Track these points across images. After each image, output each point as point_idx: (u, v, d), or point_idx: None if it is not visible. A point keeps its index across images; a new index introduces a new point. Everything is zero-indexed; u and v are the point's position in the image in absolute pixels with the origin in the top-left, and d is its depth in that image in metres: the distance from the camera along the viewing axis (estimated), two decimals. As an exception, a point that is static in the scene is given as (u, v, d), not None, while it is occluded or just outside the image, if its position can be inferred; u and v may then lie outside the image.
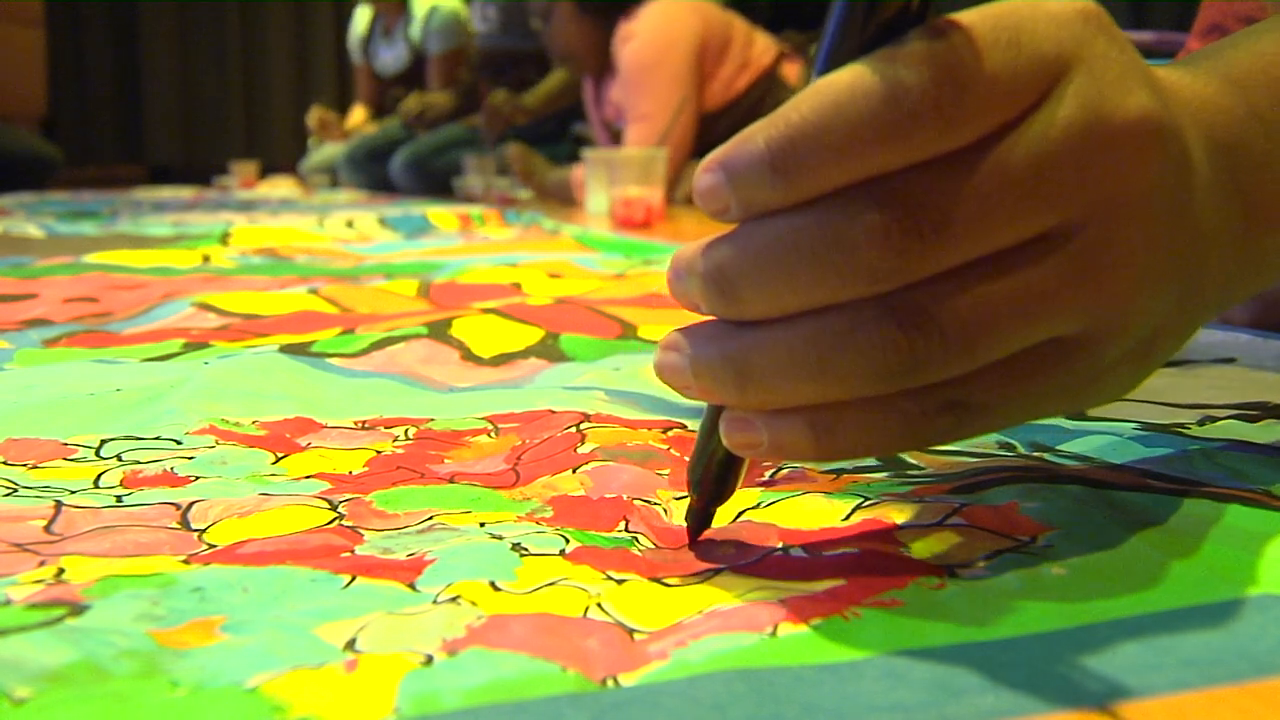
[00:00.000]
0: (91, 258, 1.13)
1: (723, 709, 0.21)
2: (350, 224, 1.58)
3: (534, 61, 2.82)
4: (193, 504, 0.35)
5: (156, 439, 0.43)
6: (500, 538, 0.31)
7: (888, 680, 0.22)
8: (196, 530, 0.32)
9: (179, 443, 0.42)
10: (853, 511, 0.32)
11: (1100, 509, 0.31)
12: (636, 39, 2.15)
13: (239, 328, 0.70)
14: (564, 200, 2.33)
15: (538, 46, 2.60)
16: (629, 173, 1.71)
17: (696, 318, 0.27)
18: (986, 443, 0.40)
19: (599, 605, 0.26)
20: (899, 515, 0.32)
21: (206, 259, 1.16)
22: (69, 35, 4.64)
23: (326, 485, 0.37)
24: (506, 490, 0.36)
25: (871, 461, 0.38)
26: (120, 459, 0.40)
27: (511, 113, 2.72)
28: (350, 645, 0.24)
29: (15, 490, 0.36)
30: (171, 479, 0.37)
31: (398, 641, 0.24)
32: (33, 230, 1.62)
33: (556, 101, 2.79)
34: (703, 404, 0.29)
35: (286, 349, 0.60)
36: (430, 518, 0.33)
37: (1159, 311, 0.26)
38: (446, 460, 0.40)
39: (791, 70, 2.30)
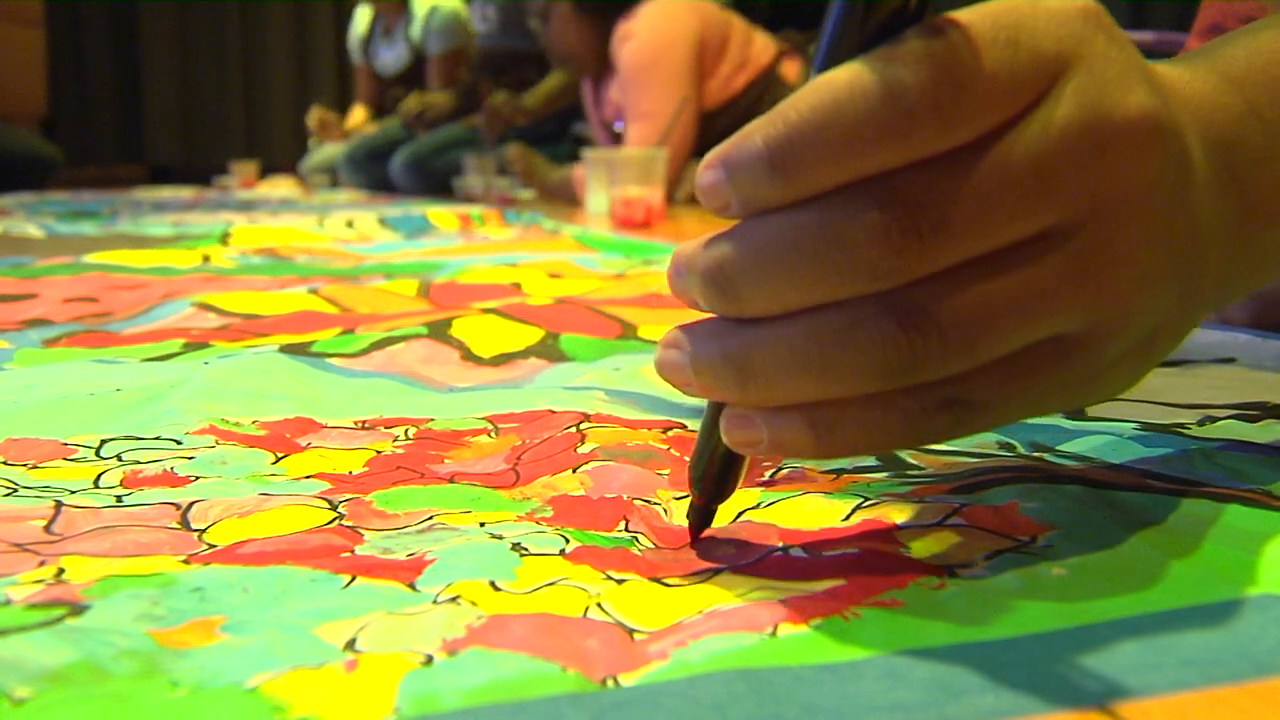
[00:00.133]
0: (91, 258, 1.13)
1: (723, 709, 0.21)
2: (350, 224, 1.58)
3: (534, 61, 2.82)
4: (193, 504, 0.35)
5: (156, 439, 0.43)
6: (500, 537, 0.31)
7: (888, 680, 0.22)
8: (196, 530, 0.32)
9: (179, 443, 0.42)
10: (853, 511, 0.32)
11: (1100, 509, 0.31)
12: (635, 38, 2.15)
13: (239, 328, 0.70)
14: (566, 199, 2.33)
15: (537, 47, 2.61)
16: (629, 173, 1.71)
17: (697, 316, 0.27)
18: (986, 443, 0.40)
19: (599, 605, 0.26)
20: (899, 515, 0.32)
21: (206, 259, 1.16)
22: (69, 35, 4.64)
23: (326, 485, 0.37)
24: (506, 490, 0.36)
25: (871, 461, 0.38)
26: (120, 459, 0.40)
27: (511, 113, 2.72)
28: (350, 645, 0.24)
29: (15, 490, 0.36)
30: (171, 479, 0.37)
31: (398, 641, 0.24)
32: (33, 230, 1.62)
33: (556, 101, 2.79)
34: (703, 404, 0.29)
35: (286, 349, 0.60)
36: (430, 517, 0.33)
37: (1159, 309, 0.26)
38: (446, 460, 0.40)
39: (791, 69, 2.30)
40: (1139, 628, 0.24)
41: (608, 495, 0.35)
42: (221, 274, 1.02)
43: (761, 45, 2.30)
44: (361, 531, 0.32)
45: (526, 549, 0.30)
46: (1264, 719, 0.21)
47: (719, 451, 0.28)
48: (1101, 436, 0.40)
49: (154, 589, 0.27)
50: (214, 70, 4.93)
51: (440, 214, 1.70)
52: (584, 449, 0.39)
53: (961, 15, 0.23)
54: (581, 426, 0.42)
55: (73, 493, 0.36)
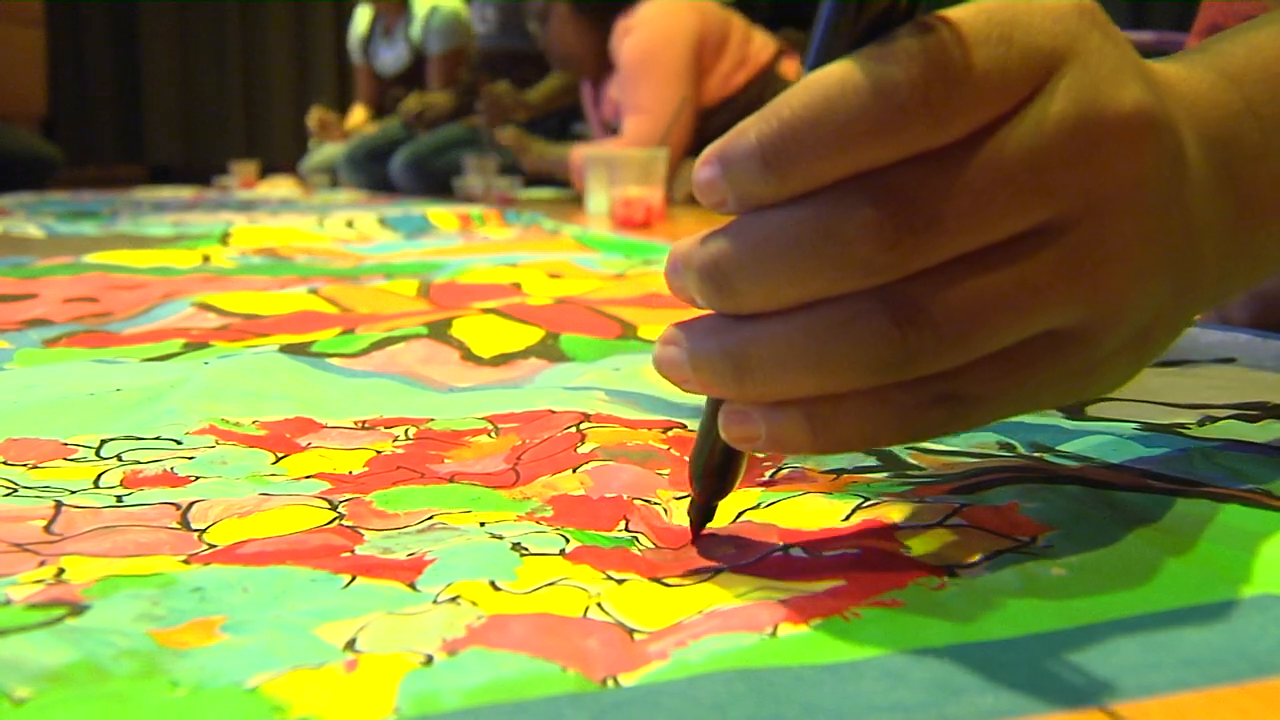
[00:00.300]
0: (91, 258, 1.13)
1: (723, 709, 0.21)
2: (350, 224, 1.58)
3: (533, 62, 2.82)
4: (193, 504, 0.35)
5: (156, 439, 0.43)
6: (500, 537, 0.31)
7: (888, 680, 0.22)
8: (196, 530, 0.32)
9: (179, 443, 0.42)
10: (853, 511, 0.32)
11: (1100, 509, 0.31)
12: (635, 33, 2.15)
13: (239, 328, 0.70)
14: (561, 178, 2.34)
15: (537, 47, 2.61)
16: (629, 173, 1.71)
17: (697, 314, 0.27)
18: (986, 443, 0.40)
19: (599, 605, 0.26)
20: (899, 515, 0.32)
21: (206, 259, 1.16)
22: (69, 35, 4.64)
23: (326, 485, 0.37)
24: (506, 490, 0.36)
25: (872, 461, 0.38)
26: (120, 459, 0.40)
27: (512, 105, 2.72)
28: (350, 645, 0.24)
29: (15, 490, 0.36)
30: (171, 479, 0.37)
31: (398, 641, 0.24)
32: (33, 230, 1.62)
33: (558, 100, 2.79)
34: (703, 403, 0.29)
35: (286, 349, 0.60)
36: (430, 517, 0.33)
37: (1154, 304, 0.26)
38: (446, 460, 0.40)
39: (790, 67, 2.30)
40: (1139, 628, 0.24)
41: (608, 495, 0.35)
42: (221, 274, 1.02)
43: (761, 43, 2.31)
44: (361, 531, 0.32)
45: (526, 549, 0.30)
46: (1264, 719, 0.21)
47: (718, 448, 0.28)
48: (1101, 436, 0.40)
49: (154, 589, 0.27)
50: (214, 70, 4.93)
51: (440, 214, 1.70)
52: (584, 449, 0.39)
53: (955, 12, 0.23)
54: (581, 426, 0.42)
55: (73, 493, 0.36)
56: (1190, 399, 0.46)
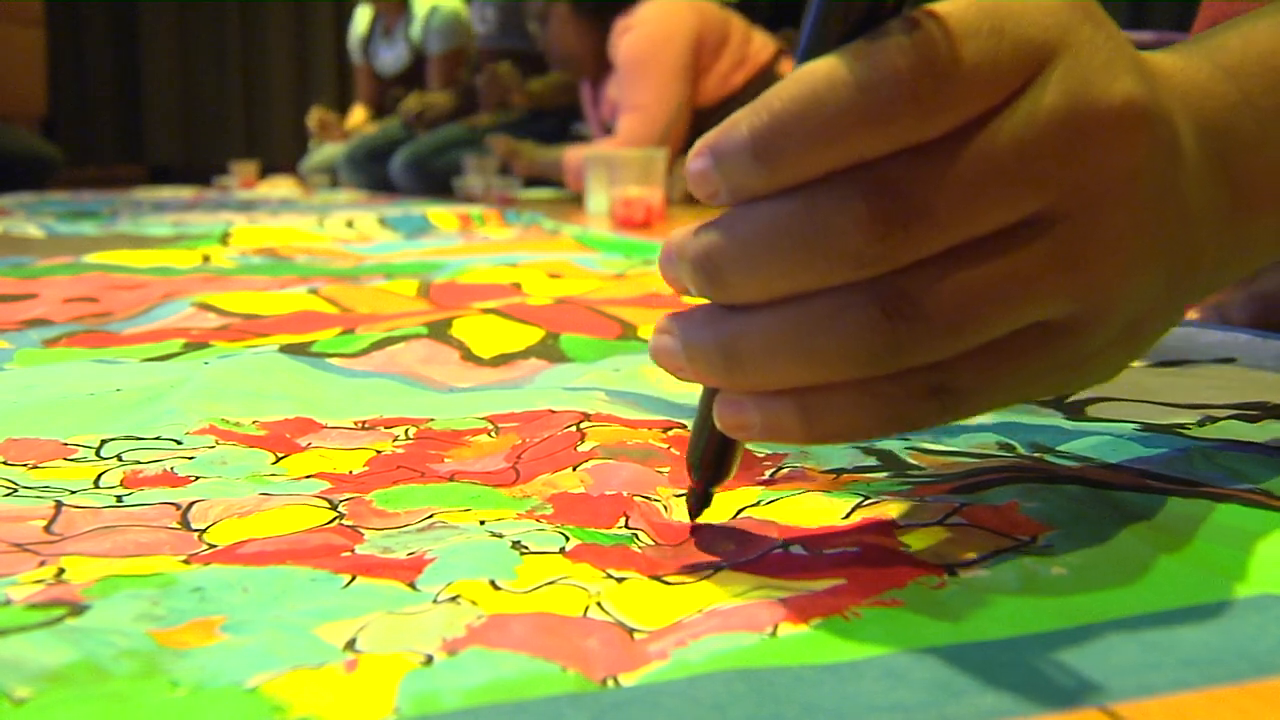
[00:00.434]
0: (91, 258, 1.13)
1: (723, 709, 0.21)
2: (350, 224, 1.58)
3: (533, 62, 2.82)
4: (193, 504, 0.35)
5: (156, 439, 0.43)
6: (500, 536, 0.31)
7: (888, 680, 0.22)
8: (197, 530, 0.32)
9: (179, 443, 0.42)
10: (853, 510, 0.32)
11: (1100, 509, 0.31)
12: (634, 31, 2.15)
13: (239, 328, 0.70)
14: (555, 180, 2.34)
15: (536, 48, 2.60)
16: (629, 173, 1.71)
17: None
18: (986, 443, 0.40)
19: (599, 604, 0.26)
20: (899, 514, 0.32)
21: (206, 259, 1.16)
22: (69, 35, 4.63)
23: (326, 485, 0.37)
24: (506, 488, 0.36)
25: (872, 461, 0.38)
26: (120, 459, 0.40)
27: (513, 86, 2.71)
28: (350, 645, 0.24)
29: (15, 490, 0.36)
30: (171, 479, 0.37)
31: (398, 641, 0.24)
32: (33, 230, 1.62)
33: (558, 95, 2.78)
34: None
35: (286, 349, 0.60)
36: (430, 516, 0.33)
37: (1146, 295, 0.26)
38: (446, 459, 0.40)
39: (789, 67, 2.29)
40: (1138, 628, 0.24)
41: (608, 492, 0.35)
42: (221, 274, 1.02)
43: (760, 43, 2.31)
44: (362, 531, 0.32)
45: (526, 547, 0.30)
46: (1264, 719, 0.21)
47: (714, 436, 0.29)
48: (1101, 436, 0.40)
49: (154, 589, 0.27)
50: (214, 70, 4.92)
51: (440, 214, 1.70)
52: (584, 447, 0.39)
53: (946, 6, 0.24)
54: (581, 425, 0.42)
55: (73, 493, 0.36)
56: (1190, 399, 0.46)
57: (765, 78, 2.27)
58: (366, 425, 0.45)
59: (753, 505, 0.33)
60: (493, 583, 0.27)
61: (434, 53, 3.32)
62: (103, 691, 0.22)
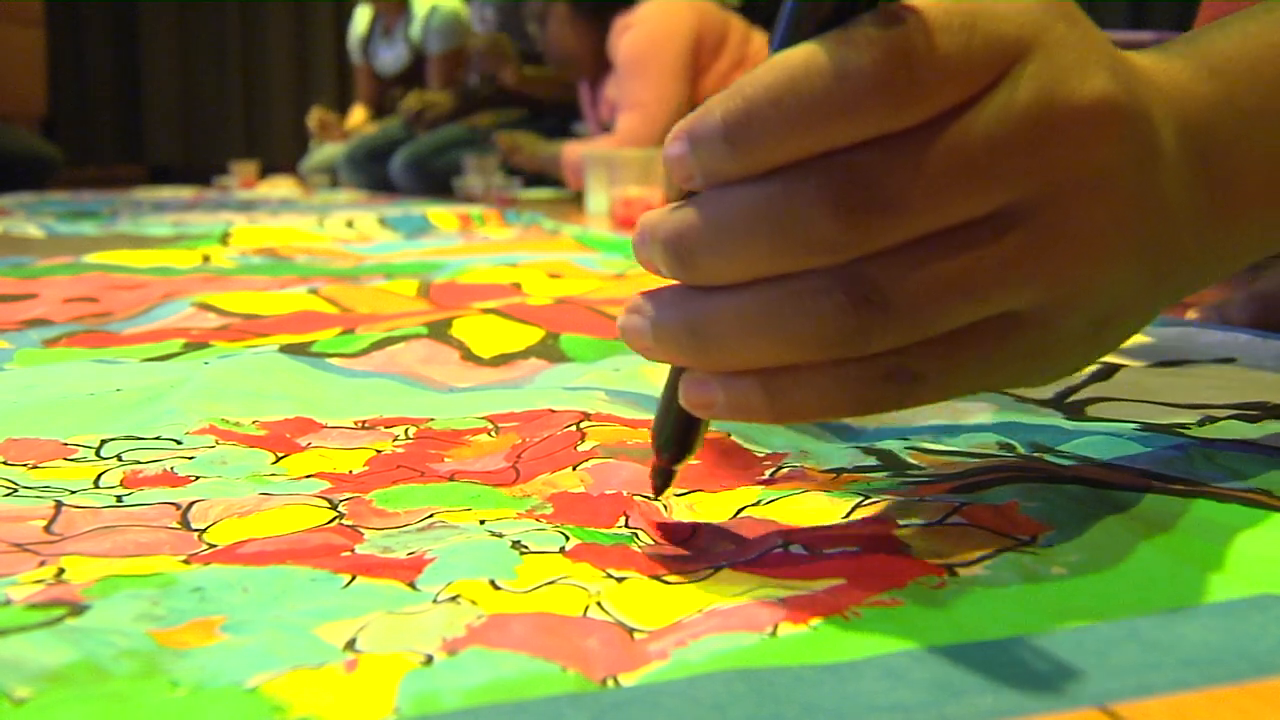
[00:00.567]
0: (91, 258, 1.13)
1: (723, 709, 0.21)
2: (350, 224, 1.58)
3: (533, 62, 2.82)
4: (193, 504, 0.35)
5: (156, 439, 0.43)
6: (500, 535, 0.31)
7: (888, 680, 0.22)
8: (196, 530, 0.32)
9: (179, 443, 0.42)
10: (853, 510, 0.32)
11: (1100, 509, 0.31)
12: (634, 30, 2.15)
13: (239, 328, 0.70)
14: (554, 175, 2.34)
15: (536, 48, 2.60)
16: (629, 173, 1.71)
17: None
18: (986, 443, 0.40)
19: (599, 604, 0.26)
20: (899, 514, 0.32)
21: (206, 259, 1.16)
22: (69, 35, 4.63)
23: (326, 485, 0.37)
24: (506, 488, 0.36)
25: (872, 460, 0.38)
26: (120, 459, 0.40)
27: (507, 58, 2.70)
28: (350, 645, 0.24)
29: (15, 490, 0.36)
30: (171, 479, 0.37)
31: (398, 641, 0.24)
32: (33, 230, 1.62)
33: (547, 87, 2.78)
34: None
35: (286, 349, 0.60)
36: (430, 515, 0.33)
37: (1117, 290, 0.27)
38: (446, 459, 0.40)
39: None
40: (1139, 628, 0.24)
41: (608, 492, 0.35)
42: (221, 274, 1.02)
43: (760, 44, 2.30)
44: (362, 530, 0.32)
45: (526, 546, 0.30)
46: (1264, 719, 0.21)
47: (681, 415, 0.29)
48: (1101, 436, 0.40)
49: (154, 589, 0.27)
50: (214, 70, 4.92)
51: (440, 214, 1.70)
52: (584, 447, 0.39)
53: (919, 0, 0.24)
54: (581, 425, 0.42)
55: (73, 493, 0.36)
56: (1190, 399, 0.46)
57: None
58: (366, 425, 0.45)
59: (753, 505, 0.33)
60: (493, 582, 0.27)
61: (434, 53, 3.32)
62: (103, 691, 0.22)
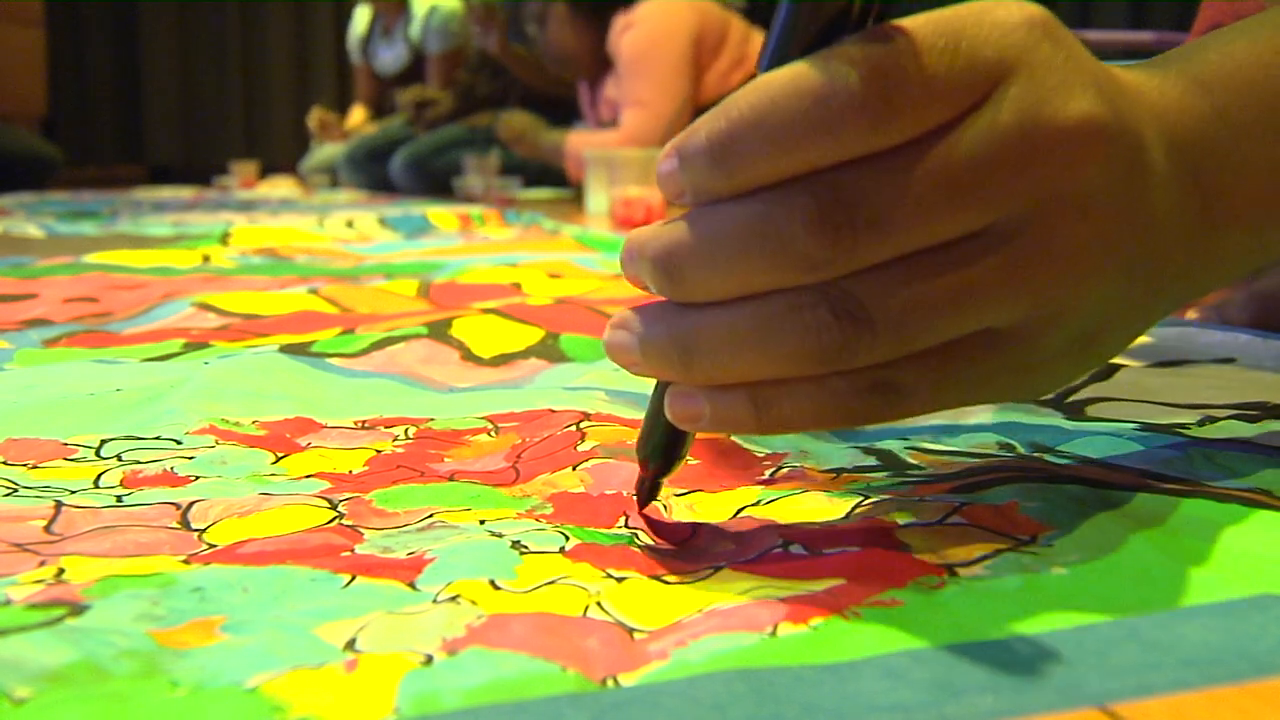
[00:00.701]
0: (91, 258, 1.13)
1: (723, 709, 0.21)
2: (350, 224, 1.58)
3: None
4: (193, 504, 0.35)
5: (156, 439, 0.43)
6: (500, 535, 0.31)
7: (888, 680, 0.22)
8: (196, 530, 0.32)
9: (179, 443, 0.42)
10: (852, 510, 0.32)
11: (1100, 509, 0.31)
12: (635, 29, 2.15)
13: (239, 328, 0.70)
14: (555, 165, 2.34)
15: (535, 48, 2.60)
16: (629, 173, 1.71)
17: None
18: (986, 443, 0.40)
19: (599, 604, 0.26)
20: (899, 514, 0.32)
21: (206, 259, 1.16)
22: (69, 35, 4.63)
23: (326, 485, 0.37)
24: (506, 488, 0.36)
25: (871, 460, 0.38)
26: (120, 459, 0.40)
27: (498, 29, 2.70)
28: (350, 645, 0.24)
29: (15, 490, 0.36)
30: (171, 479, 0.37)
31: (398, 641, 0.24)
32: (33, 230, 1.62)
33: (537, 71, 2.77)
34: None
35: (286, 349, 0.60)
36: (430, 515, 0.33)
37: (1101, 307, 0.27)
38: (446, 459, 0.40)
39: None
40: (1139, 628, 0.24)
41: (607, 492, 0.35)
42: (221, 274, 1.02)
43: (760, 44, 2.30)
44: (361, 530, 0.32)
45: (526, 546, 0.30)
46: (1264, 719, 0.21)
47: (666, 428, 0.29)
48: (1101, 436, 0.40)
49: (154, 589, 0.27)
50: (214, 70, 4.92)
51: (440, 214, 1.70)
52: (584, 447, 0.39)
53: (907, 22, 0.24)
54: (581, 425, 0.42)
55: (73, 493, 0.36)
56: (1190, 399, 0.46)
57: (764, 78, 2.27)
58: (366, 425, 0.45)
59: (753, 505, 0.33)
60: (493, 582, 0.27)
61: (433, 52, 3.32)
62: (103, 691, 0.22)
